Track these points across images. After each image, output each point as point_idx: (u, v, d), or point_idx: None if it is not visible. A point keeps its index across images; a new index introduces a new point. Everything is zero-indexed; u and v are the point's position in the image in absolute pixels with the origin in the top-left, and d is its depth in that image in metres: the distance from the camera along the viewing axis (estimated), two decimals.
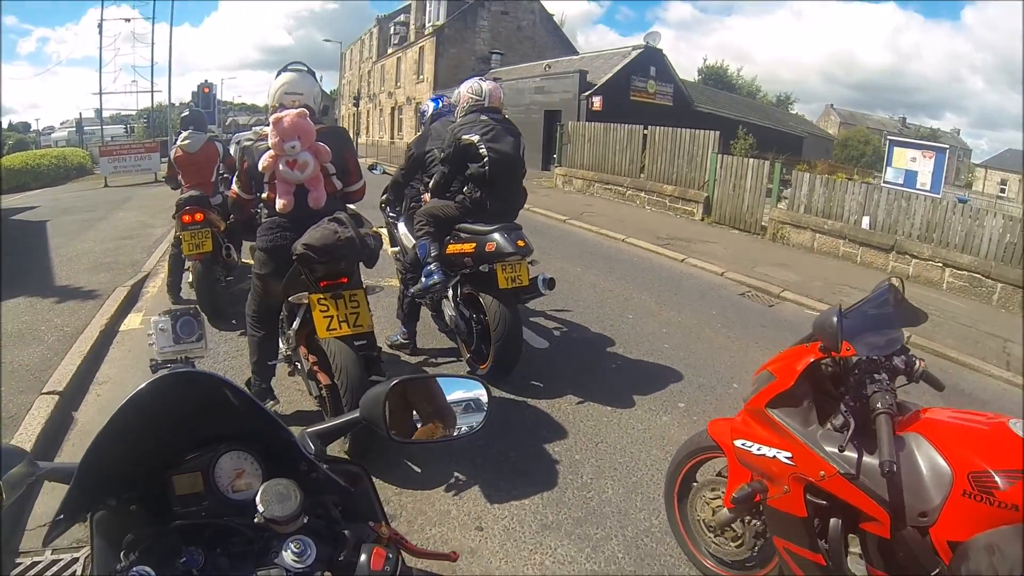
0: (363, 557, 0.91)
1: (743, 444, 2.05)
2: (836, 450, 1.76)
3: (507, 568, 2.52)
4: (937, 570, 1.55)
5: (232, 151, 6.52)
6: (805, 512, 1.86)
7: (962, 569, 1.43)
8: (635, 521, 2.82)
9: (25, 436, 3.30)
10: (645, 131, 12.58)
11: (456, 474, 3.14)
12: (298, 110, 3.06)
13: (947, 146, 9.99)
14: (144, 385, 0.91)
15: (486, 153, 3.84)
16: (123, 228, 9.27)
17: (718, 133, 11.14)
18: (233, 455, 1.03)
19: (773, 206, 9.97)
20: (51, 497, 2.75)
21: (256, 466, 1.03)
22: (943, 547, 1.54)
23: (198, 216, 4.99)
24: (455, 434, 1.23)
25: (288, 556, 0.88)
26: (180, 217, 5.02)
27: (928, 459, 1.63)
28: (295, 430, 1.08)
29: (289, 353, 3.44)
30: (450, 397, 1.23)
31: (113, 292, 5.87)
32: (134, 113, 28.29)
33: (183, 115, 6.28)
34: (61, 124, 47.29)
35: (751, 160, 10.56)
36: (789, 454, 1.89)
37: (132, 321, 5.38)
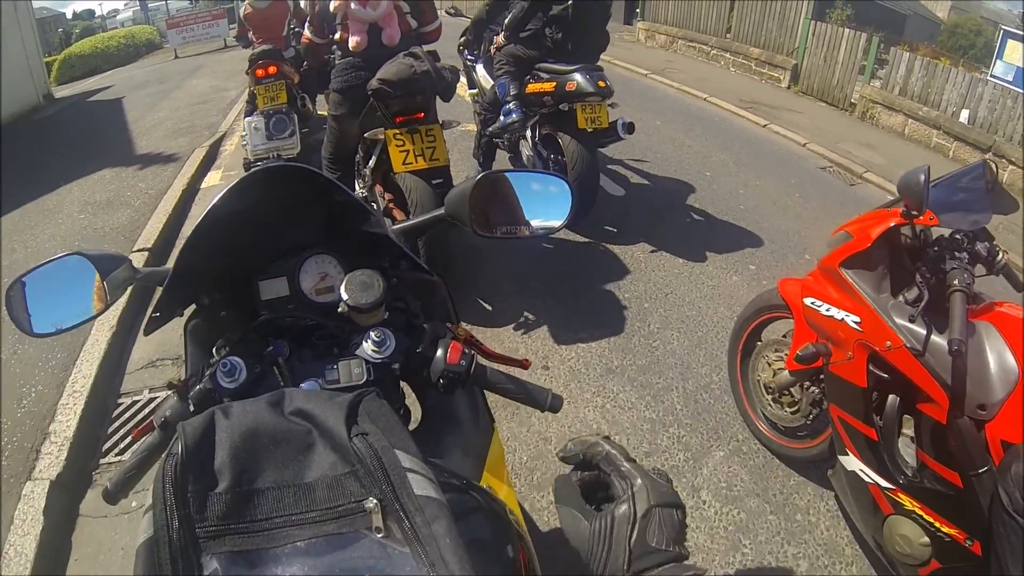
0: (440, 351, 0.92)
1: (812, 303, 1.98)
2: (906, 322, 1.68)
3: (569, 408, 2.60)
4: (985, 468, 1.48)
5: (303, 4, 6.39)
6: (865, 382, 1.80)
7: (1010, 472, 1.35)
8: (696, 375, 2.85)
9: None
10: None
11: (526, 313, 3.21)
12: None
13: None
14: (236, 182, 0.90)
15: None
16: (197, 94, 9.38)
17: None
18: (318, 259, 1.05)
19: (866, 83, 9.16)
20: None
21: (339, 269, 1.04)
22: (996, 445, 1.47)
23: (272, 69, 4.94)
24: (534, 232, 1.18)
25: (368, 346, 0.91)
26: (254, 72, 4.97)
27: (996, 351, 1.54)
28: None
29: (365, 193, 3.47)
30: (532, 194, 1.18)
31: (192, 154, 6.03)
32: None
33: None
34: (125, 5, 47.11)
35: (847, 30, 9.60)
36: (858, 319, 1.81)
37: (212, 178, 5.56)
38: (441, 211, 1.16)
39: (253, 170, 0.94)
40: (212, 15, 16.79)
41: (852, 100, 9.24)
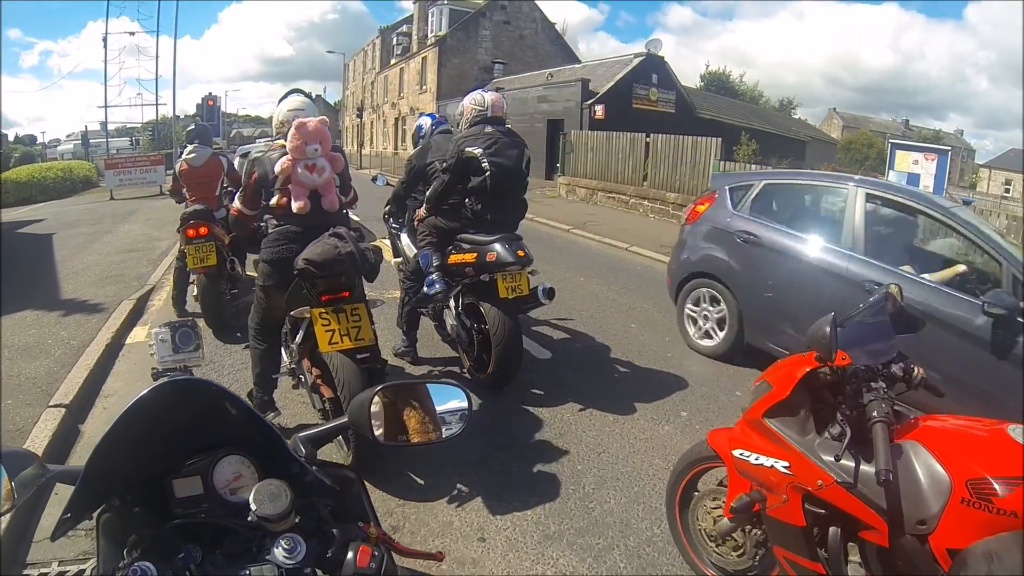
0: (350, 555, 0.95)
1: (741, 454, 2.05)
2: (833, 459, 1.76)
3: None
4: None
5: (236, 164, 6.56)
6: (804, 521, 1.85)
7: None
8: (637, 531, 2.81)
9: (32, 448, 3.29)
10: (647, 139, 12.58)
11: (459, 485, 3.14)
12: (320, 117, 3.20)
13: (949, 148, 9.93)
14: (145, 392, 0.95)
15: (488, 167, 3.88)
16: (129, 241, 9.32)
17: (720, 140, 11.16)
18: (231, 459, 1.08)
19: None
20: (57, 509, 2.78)
21: (253, 470, 1.08)
22: (942, 555, 1.53)
23: (202, 230, 5.01)
24: (439, 437, 1.26)
25: (279, 553, 0.93)
26: (185, 231, 5.04)
27: (926, 467, 1.62)
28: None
29: (293, 366, 3.47)
30: (435, 401, 1.27)
31: (119, 306, 5.89)
32: (139, 126, 28.46)
33: (189, 128, 6.32)
34: (67, 137, 47.48)
35: (753, 166, 10.56)
36: (787, 463, 1.88)
37: (137, 334, 5.40)
38: (345, 419, 1.23)
39: (160, 382, 0.98)
40: (151, 160, 17.06)
41: None
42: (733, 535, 2.29)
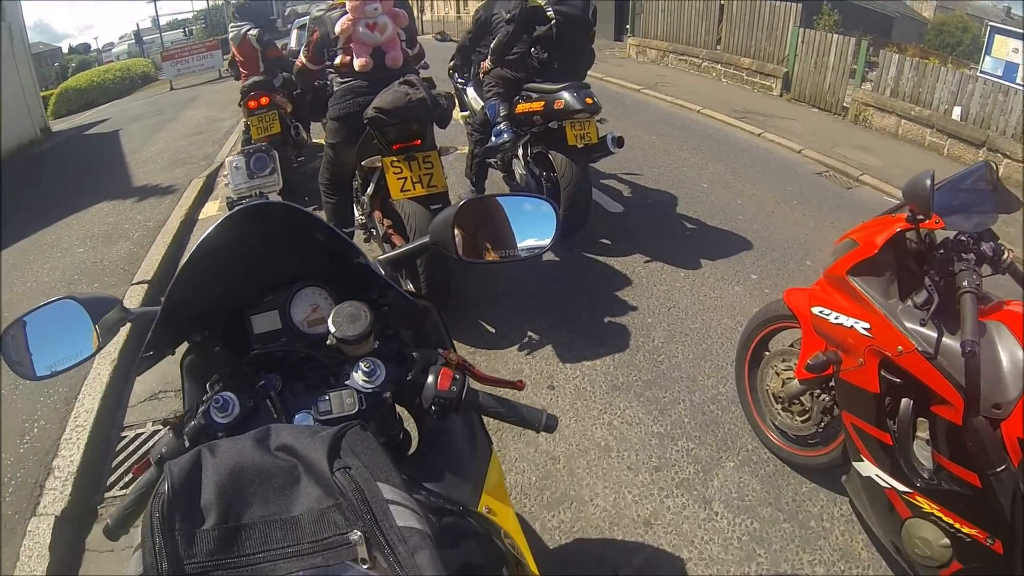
0: (431, 378, 0.92)
1: (821, 312, 1.97)
2: (916, 326, 1.66)
3: (577, 427, 2.60)
4: (1003, 466, 1.46)
5: (293, 38, 6.47)
6: (878, 388, 1.78)
7: None
8: (703, 387, 2.83)
9: None
10: (722, 1, 11.71)
11: (529, 334, 3.21)
12: None
13: None
14: (220, 220, 0.93)
15: (553, 15, 3.76)
16: (193, 125, 9.45)
17: (800, 6, 10.23)
18: (308, 291, 1.06)
19: (857, 87, 9.21)
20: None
21: (330, 301, 1.05)
22: (1013, 443, 1.46)
23: (263, 100, 5.03)
24: (522, 255, 1.18)
25: (358, 376, 0.91)
26: (246, 103, 5.07)
27: (1009, 350, 1.53)
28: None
29: (364, 220, 3.50)
30: (518, 216, 1.19)
31: (189, 184, 6.07)
32: (191, 16, 28.29)
33: (235, 1, 6.24)
34: (120, 38, 47.46)
35: (835, 36, 9.70)
36: (867, 325, 1.80)
37: (210, 209, 5.60)
38: (426, 239, 1.17)
39: (236, 208, 0.96)
40: (206, 46, 16.98)
41: (844, 104, 9.28)
42: (800, 399, 2.26)
